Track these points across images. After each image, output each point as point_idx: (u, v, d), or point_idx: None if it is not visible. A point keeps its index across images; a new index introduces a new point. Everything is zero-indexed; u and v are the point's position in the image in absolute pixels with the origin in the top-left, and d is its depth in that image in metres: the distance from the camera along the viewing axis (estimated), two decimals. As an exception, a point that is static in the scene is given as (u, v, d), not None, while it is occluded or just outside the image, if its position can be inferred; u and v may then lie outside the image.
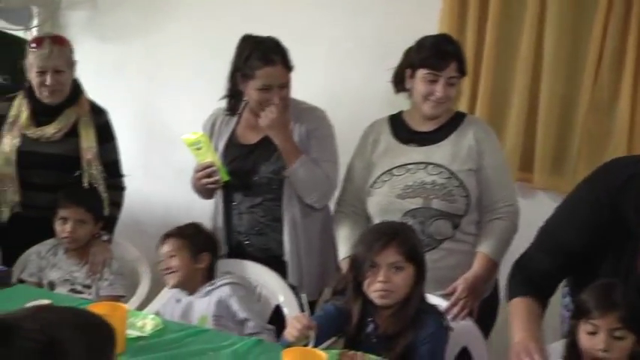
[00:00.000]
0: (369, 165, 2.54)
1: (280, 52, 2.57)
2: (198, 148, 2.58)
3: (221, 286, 2.45)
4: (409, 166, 2.44)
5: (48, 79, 2.77)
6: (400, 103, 2.67)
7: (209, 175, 2.61)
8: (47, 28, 3.79)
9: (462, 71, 2.44)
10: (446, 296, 2.30)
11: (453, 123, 2.50)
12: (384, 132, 2.56)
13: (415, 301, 2.01)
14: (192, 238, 2.53)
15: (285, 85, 2.58)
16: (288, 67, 2.58)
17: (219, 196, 2.74)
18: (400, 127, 2.55)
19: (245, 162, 2.66)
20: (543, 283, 2.03)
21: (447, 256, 2.38)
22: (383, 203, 2.45)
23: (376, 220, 2.47)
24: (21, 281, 2.71)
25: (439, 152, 2.44)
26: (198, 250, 2.51)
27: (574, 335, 1.82)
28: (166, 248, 2.51)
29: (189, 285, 2.48)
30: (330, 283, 2.71)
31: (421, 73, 2.42)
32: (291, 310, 2.52)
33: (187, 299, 2.47)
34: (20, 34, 3.67)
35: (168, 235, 2.54)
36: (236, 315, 2.38)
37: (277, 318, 2.52)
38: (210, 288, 2.45)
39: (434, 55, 2.40)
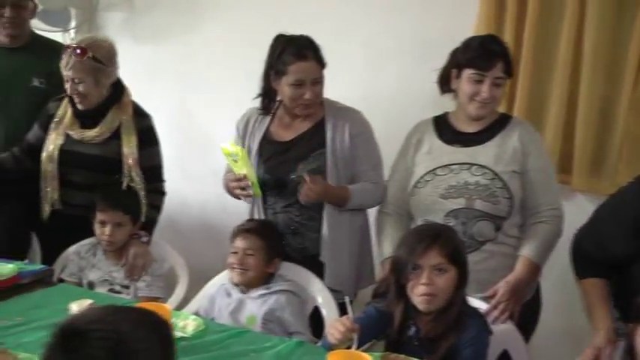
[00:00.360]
0: (413, 165, 2.54)
1: (313, 48, 2.58)
2: (235, 160, 2.58)
3: (277, 292, 2.44)
4: (453, 167, 2.43)
5: (69, 89, 2.83)
6: (440, 102, 2.67)
7: (243, 187, 2.61)
8: (84, 29, 3.83)
9: (508, 72, 2.43)
10: (486, 299, 2.29)
11: (498, 124, 2.48)
12: (428, 132, 2.56)
13: (458, 304, 1.99)
14: (271, 240, 2.52)
15: (318, 81, 2.59)
16: (321, 63, 2.59)
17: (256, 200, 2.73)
18: (445, 128, 2.55)
19: (281, 160, 2.66)
20: (600, 266, 2.09)
21: (488, 258, 2.37)
22: (426, 203, 2.45)
23: (419, 220, 2.48)
24: (61, 280, 2.73)
25: (483, 153, 2.42)
26: (273, 255, 2.52)
27: (631, 339, 1.79)
28: (244, 244, 2.48)
29: (249, 284, 2.48)
30: (364, 284, 2.74)
31: (467, 73, 2.41)
32: (329, 311, 2.52)
33: (239, 296, 2.46)
34: (59, 35, 3.70)
35: (248, 231, 2.50)
36: (287, 327, 2.38)
37: (315, 319, 2.53)
38: (265, 292, 2.45)
39: (480, 55, 2.39)
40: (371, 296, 2.14)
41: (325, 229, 2.62)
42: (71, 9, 3.83)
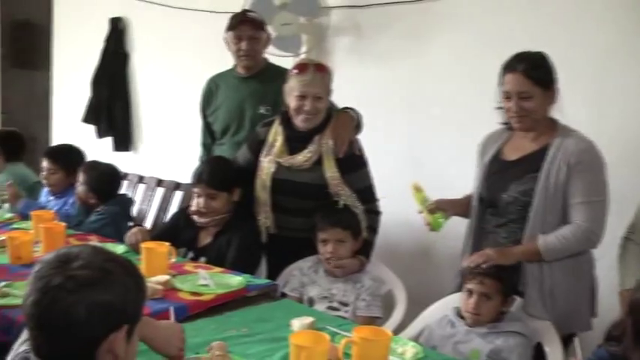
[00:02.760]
0: None
1: (528, 62, 2.50)
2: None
3: (507, 333, 2.35)
4: None
5: (307, 105, 2.87)
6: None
7: None
8: (314, 54, 3.97)
9: None
10: None
11: None
12: None
13: None
14: (508, 279, 2.43)
15: (525, 96, 2.49)
16: (533, 78, 2.48)
17: (474, 215, 2.71)
18: None
19: (499, 178, 2.62)
20: None
21: None
22: None
23: None
24: (283, 295, 2.83)
25: None
26: (509, 293, 2.44)
27: None
28: (481, 289, 2.39)
29: (480, 323, 2.41)
30: (579, 326, 2.55)
31: None
32: (552, 349, 2.39)
33: (465, 328, 2.41)
34: (289, 60, 3.87)
35: (484, 274, 2.41)
36: None
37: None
38: (493, 330, 2.37)
39: None
40: (604, 338, 1.97)
41: None
42: (302, 35, 3.99)
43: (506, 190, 2.56)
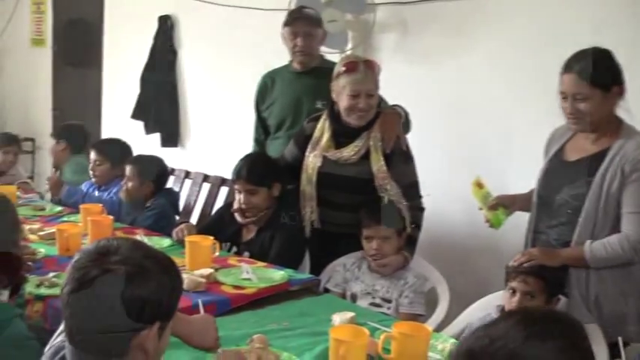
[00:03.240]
0: None
1: (584, 62, 2.39)
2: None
3: None
4: None
5: (361, 103, 2.85)
6: None
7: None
8: (359, 51, 3.97)
9: None
10: None
11: None
12: None
13: None
14: (552, 279, 2.41)
15: (579, 98, 2.40)
16: (588, 80, 2.37)
17: (532, 212, 2.67)
18: None
19: (554, 177, 2.56)
20: None
21: None
22: None
23: None
24: (326, 290, 2.84)
25: None
26: (555, 293, 2.43)
27: None
28: (524, 287, 2.38)
29: None
30: (626, 335, 2.40)
31: None
32: (598, 351, 2.33)
33: None
34: (336, 56, 3.87)
35: (526, 273, 2.38)
36: None
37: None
38: None
39: None
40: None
41: None
42: (348, 32, 3.99)
43: (560, 192, 2.50)
